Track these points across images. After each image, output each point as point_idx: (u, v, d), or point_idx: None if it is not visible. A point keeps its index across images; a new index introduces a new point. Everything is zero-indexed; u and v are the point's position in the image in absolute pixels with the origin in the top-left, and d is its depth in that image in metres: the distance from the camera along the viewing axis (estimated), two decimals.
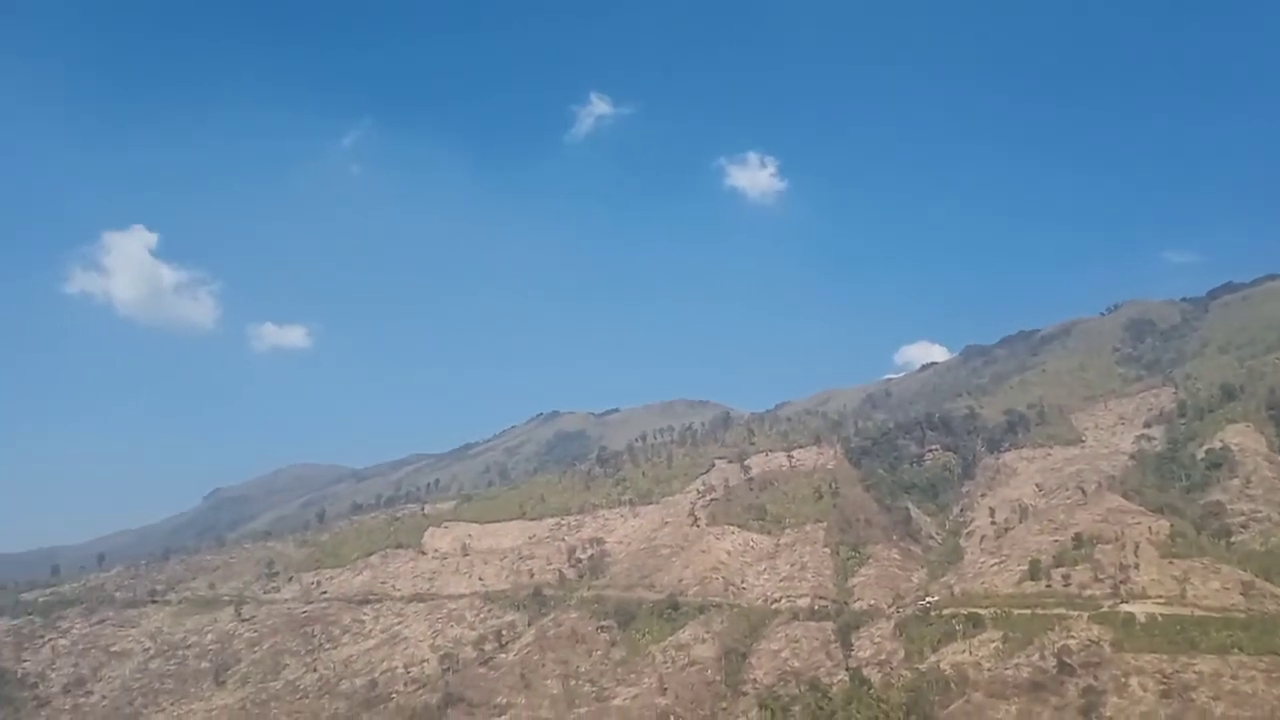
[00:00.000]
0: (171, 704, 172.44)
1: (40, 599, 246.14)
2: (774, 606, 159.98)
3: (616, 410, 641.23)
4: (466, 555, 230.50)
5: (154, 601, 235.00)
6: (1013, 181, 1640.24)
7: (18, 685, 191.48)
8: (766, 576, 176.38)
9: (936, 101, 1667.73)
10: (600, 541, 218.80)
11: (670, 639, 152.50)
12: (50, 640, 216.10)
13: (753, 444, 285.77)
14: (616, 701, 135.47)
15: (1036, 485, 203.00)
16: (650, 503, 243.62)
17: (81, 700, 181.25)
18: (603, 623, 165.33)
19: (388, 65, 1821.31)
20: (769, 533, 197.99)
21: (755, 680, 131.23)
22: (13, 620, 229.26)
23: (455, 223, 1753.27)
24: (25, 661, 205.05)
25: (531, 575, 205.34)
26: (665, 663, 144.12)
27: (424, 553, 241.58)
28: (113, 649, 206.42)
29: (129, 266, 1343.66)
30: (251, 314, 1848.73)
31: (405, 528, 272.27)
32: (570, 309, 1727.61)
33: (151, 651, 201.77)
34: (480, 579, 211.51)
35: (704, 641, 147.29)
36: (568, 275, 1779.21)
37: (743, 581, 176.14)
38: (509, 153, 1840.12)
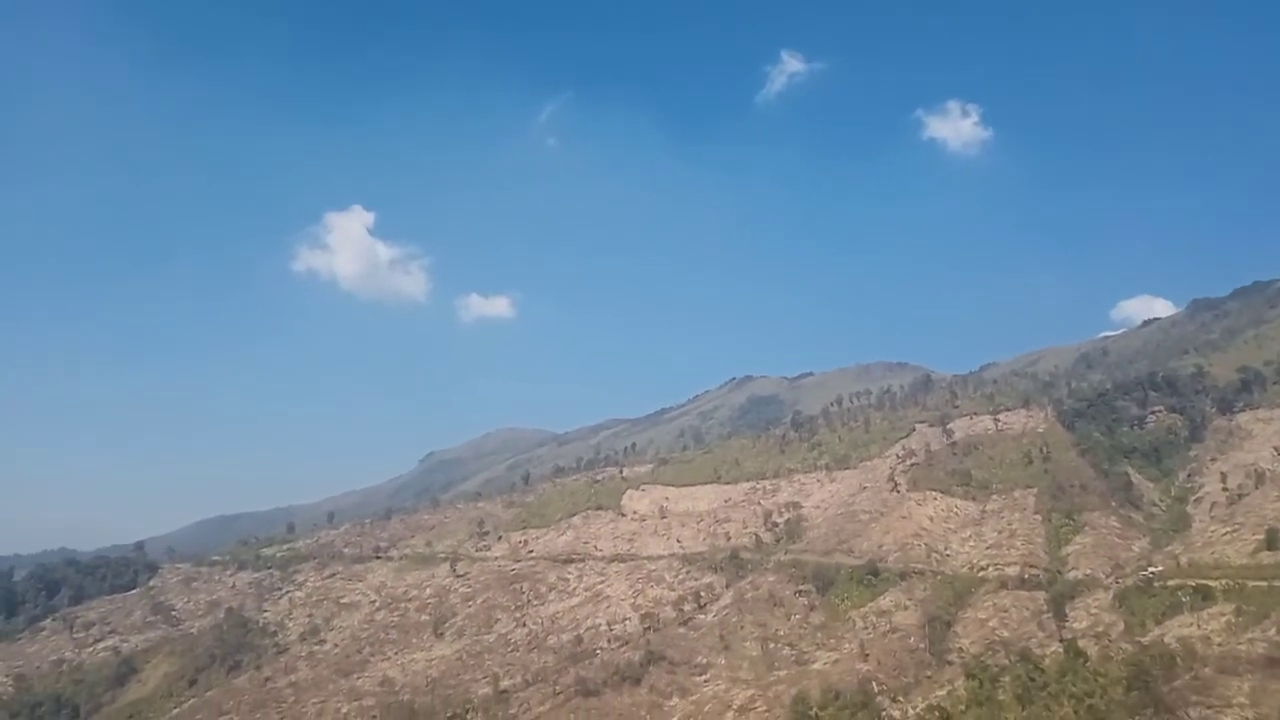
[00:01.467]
0: (396, 653, 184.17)
1: (278, 554, 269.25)
2: (980, 574, 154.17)
3: (810, 374, 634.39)
4: (664, 517, 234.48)
5: (378, 557, 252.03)
6: (1241, 116, 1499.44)
7: (260, 633, 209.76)
8: (972, 544, 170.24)
9: (1153, 35, 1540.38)
10: (796, 506, 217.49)
11: (870, 605, 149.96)
12: (288, 592, 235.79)
13: (955, 407, 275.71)
14: (816, 665, 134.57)
15: (1275, 449, 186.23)
16: (847, 467, 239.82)
17: (316, 648, 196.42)
18: (800, 587, 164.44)
19: (583, 39, 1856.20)
20: (974, 499, 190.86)
21: (961, 649, 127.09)
22: (254, 573, 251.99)
23: (649, 188, 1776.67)
24: (266, 612, 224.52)
25: (728, 538, 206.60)
26: (866, 629, 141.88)
27: (623, 514, 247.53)
28: (342, 601, 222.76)
29: (349, 244, 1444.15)
30: (459, 286, 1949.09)
31: (605, 490, 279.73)
32: (764, 272, 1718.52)
33: (377, 604, 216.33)
34: (678, 541, 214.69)
35: (906, 608, 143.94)
36: (760, 237, 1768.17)
37: (946, 548, 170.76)
38: (702, 117, 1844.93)
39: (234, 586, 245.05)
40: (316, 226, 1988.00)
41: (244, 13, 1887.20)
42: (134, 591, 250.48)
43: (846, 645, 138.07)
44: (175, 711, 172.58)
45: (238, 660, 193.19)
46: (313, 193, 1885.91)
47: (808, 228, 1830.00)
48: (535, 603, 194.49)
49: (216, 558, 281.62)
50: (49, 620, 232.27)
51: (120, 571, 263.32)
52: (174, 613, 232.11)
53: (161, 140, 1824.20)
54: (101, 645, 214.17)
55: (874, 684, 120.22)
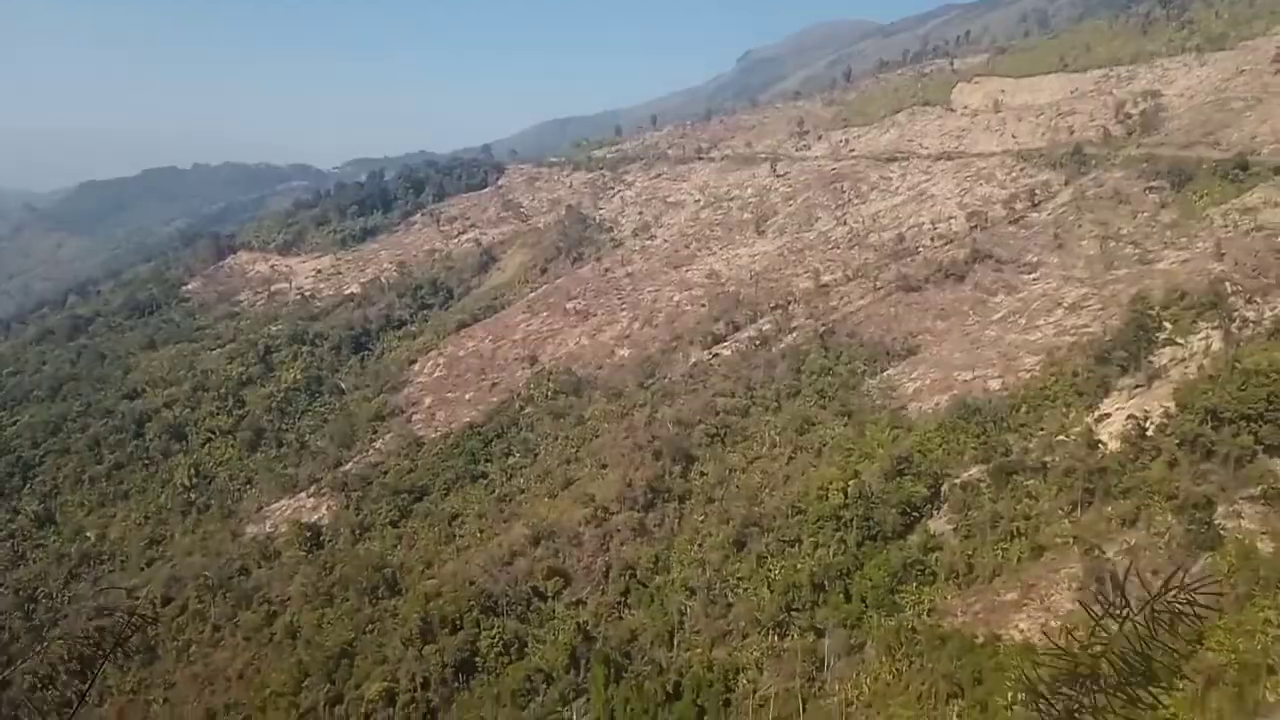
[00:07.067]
0: (720, 249, 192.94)
1: (608, 155, 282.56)
2: None
3: None
4: (998, 112, 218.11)
5: (700, 158, 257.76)
6: None
7: (596, 229, 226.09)
8: None
9: None
10: (1156, 94, 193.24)
11: (1234, 201, 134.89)
12: (619, 191, 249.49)
13: None
14: (1161, 265, 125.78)
15: None
16: (1222, 49, 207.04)
17: (647, 243, 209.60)
18: (1151, 183, 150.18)
19: None
20: None
21: None
22: (588, 174, 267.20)
23: None
24: (601, 209, 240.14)
25: (1071, 132, 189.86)
26: (1225, 227, 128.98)
27: (952, 110, 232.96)
28: (668, 200, 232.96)
29: None
30: None
31: (933, 84, 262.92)
32: None
33: (701, 202, 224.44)
34: (1013, 136, 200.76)
35: (1277, 206, 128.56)
36: None
37: None
38: None
39: (571, 186, 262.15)
40: None
41: None
42: (486, 190, 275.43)
43: (1200, 244, 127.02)
44: (531, 295, 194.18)
45: (580, 252, 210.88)
46: None
47: None
48: (856, 202, 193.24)
49: (554, 159, 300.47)
50: (418, 215, 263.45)
51: (473, 172, 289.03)
52: (522, 209, 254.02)
53: None
54: (465, 237, 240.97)
55: (1227, 284, 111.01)
